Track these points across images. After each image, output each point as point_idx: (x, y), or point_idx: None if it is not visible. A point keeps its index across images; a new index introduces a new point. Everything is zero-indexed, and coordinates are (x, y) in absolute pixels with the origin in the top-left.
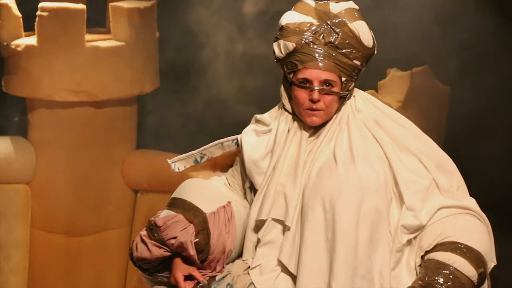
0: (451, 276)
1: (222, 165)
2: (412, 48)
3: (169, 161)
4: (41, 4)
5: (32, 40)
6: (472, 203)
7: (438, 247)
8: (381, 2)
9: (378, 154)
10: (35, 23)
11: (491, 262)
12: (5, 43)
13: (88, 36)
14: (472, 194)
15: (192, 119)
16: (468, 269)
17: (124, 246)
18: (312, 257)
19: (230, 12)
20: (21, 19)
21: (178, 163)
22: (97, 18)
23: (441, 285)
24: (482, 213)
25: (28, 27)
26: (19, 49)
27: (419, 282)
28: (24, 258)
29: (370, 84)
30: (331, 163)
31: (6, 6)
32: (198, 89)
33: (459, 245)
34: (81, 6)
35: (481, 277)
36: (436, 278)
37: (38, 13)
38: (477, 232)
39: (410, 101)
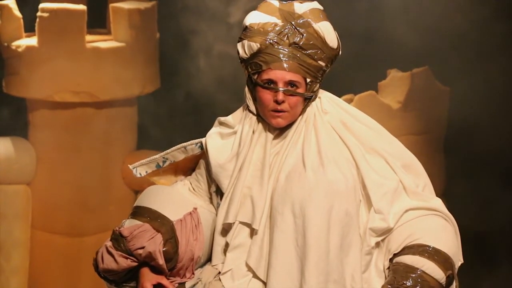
0: (419, 280)
1: (184, 168)
2: (412, 49)
3: (130, 166)
4: (41, 5)
5: (32, 41)
6: (438, 204)
7: (406, 250)
8: (381, 4)
9: (346, 157)
10: (36, 24)
11: (459, 261)
12: (5, 44)
13: (88, 37)
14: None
15: (191, 119)
16: (437, 272)
17: None
18: (283, 263)
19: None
20: (21, 20)
21: (139, 168)
22: (97, 19)
23: None
24: (449, 214)
25: (29, 28)
26: (19, 50)
27: (388, 286)
28: (24, 259)
29: (370, 85)
30: (300, 167)
31: (7, 7)
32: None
33: (427, 248)
34: (82, 7)
35: (449, 279)
36: (405, 282)
37: (39, 14)
38: (444, 233)
39: (410, 101)
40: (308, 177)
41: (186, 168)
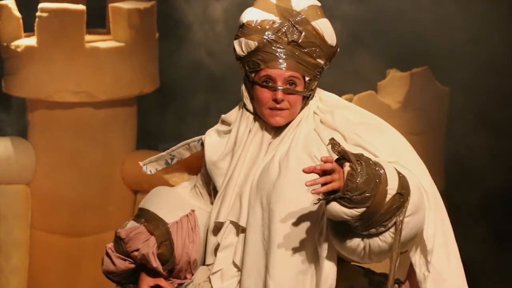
0: (373, 168)
1: (197, 166)
2: (412, 49)
3: (141, 163)
4: (41, 5)
5: (32, 41)
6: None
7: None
8: (380, 4)
9: (310, 155)
10: (35, 24)
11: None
12: (5, 44)
13: (88, 37)
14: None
15: (192, 120)
16: (393, 180)
17: None
18: (252, 258)
19: None
20: (21, 20)
21: (149, 165)
22: (97, 19)
23: (360, 164)
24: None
25: (28, 28)
26: (19, 50)
27: (342, 146)
28: (24, 259)
29: (369, 85)
30: (270, 162)
31: (6, 7)
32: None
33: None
34: (81, 7)
35: (395, 198)
36: (359, 161)
37: (38, 14)
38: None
39: (409, 101)
40: (274, 169)
41: (199, 166)
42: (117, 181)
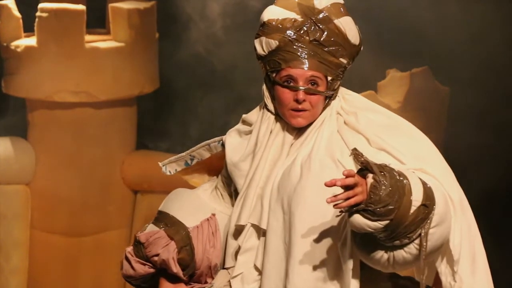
0: (397, 179)
1: (217, 167)
2: (412, 48)
3: (160, 163)
4: (41, 5)
5: (31, 41)
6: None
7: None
8: (380, 4)
9: (333, 158)
10: (35, 24)
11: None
12: (5, 44)
13: (88, 37)
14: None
15: (192, 119)
16: (418, 190)
17: (124, 247)
18: (272, 262)
19: None
20: (20, 20)
21: (169, 166)
22: (97, 19)
23: (384, 176)
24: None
25: (28, 28)
26: (18, 50)
27: (365, 157)
28: (23, 259)
29: (369, 85)
30: (292, 164)
31: (6, 7)
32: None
33: (421, 176)
34: (81, 7)
35: (420, 210)
36: (383, 172)
37: (38, 14)
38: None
39: (409, 102)
40: (295, 172)
41: (219, 167)
42: (117, 181)
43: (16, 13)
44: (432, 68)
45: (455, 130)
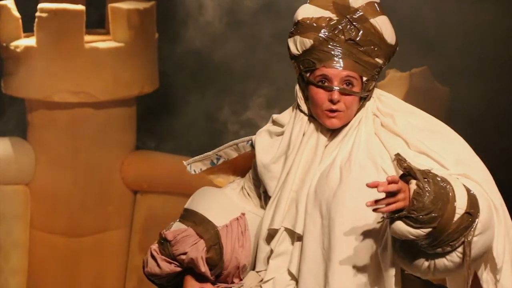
0: (441, 186)
1: (242, 167)
2: (411, 49)
3: (185, 162)
4: (40, 5)
5: (31, 41)
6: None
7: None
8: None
9: (373, 161)
10: (35, 24)
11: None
12: (4, 44)
13: (87, 37)
14: None
15: (192, 119)
16: (462, 197)
17: (124, 247)
18: (309, 267)
19: None
20: (20, 20)
21: (193, 165)
22: (96, 19)
23: (427, 182)
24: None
25: (28, 28)
26: (18, 50)
27: (408, 162)
28: (23, 259)
29: None
30: (330, 167)
31: (6, 7)
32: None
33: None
34: (81, 7)
35: (463, 217)
36: (427, 178)
37: (38, 14)
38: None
39: (409, 102)
40: (334, 175)
41: (245, 167)
42: (117, 181)
43: (16, 13)
44: (431, 68)
45: (455, 130)
